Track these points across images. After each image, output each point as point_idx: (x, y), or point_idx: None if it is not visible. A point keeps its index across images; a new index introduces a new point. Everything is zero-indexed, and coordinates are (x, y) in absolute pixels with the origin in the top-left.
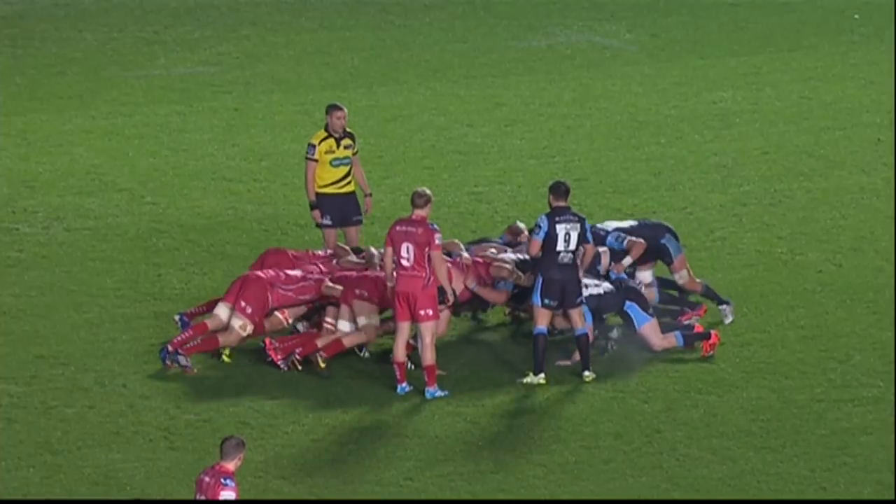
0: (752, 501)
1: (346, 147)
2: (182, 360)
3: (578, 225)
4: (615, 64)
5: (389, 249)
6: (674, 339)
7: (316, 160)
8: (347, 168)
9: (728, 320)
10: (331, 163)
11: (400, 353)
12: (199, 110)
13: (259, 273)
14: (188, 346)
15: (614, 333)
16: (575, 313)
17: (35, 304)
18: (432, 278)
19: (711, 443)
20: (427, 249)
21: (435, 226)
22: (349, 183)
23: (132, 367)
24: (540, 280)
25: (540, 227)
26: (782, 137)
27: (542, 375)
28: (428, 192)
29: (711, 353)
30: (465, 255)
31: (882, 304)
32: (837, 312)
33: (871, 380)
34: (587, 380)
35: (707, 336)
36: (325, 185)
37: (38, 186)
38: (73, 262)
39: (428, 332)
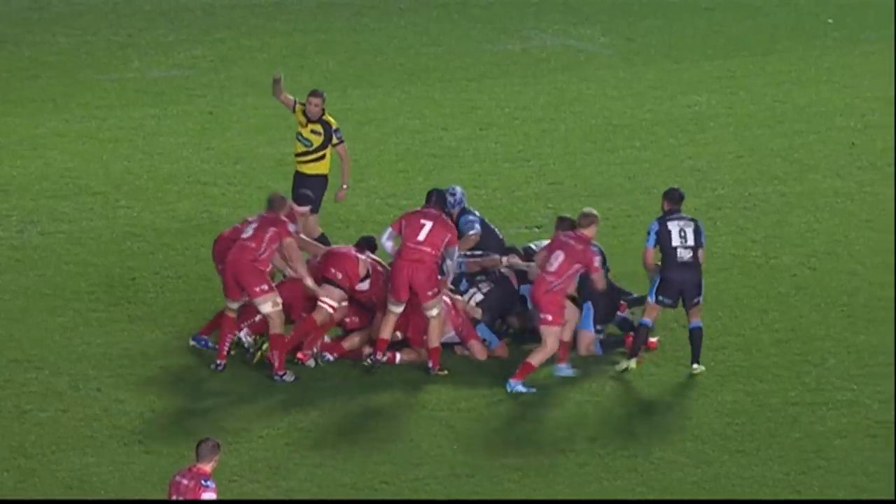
0: (727, 502)
1: (313, 132)
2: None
3: (692, 223)
4: (590, 67)
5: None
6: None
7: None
8: (305, 149)
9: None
10: (296, 135)
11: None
12: (173, 113)
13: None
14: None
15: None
16: (694, 310)
17: (9, 307)
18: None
19: (686, 446)
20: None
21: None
22: (305, 164)
23: (106, 371)
24: (658, 279)
25: (649, 232)
26: (756, 141)
27: (634, 361)
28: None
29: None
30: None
31: (856, 308)
32: (812, 316)
33: (846, 383)
34: (696, 373)
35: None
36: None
37: (12, 190)
38: (48, 265)
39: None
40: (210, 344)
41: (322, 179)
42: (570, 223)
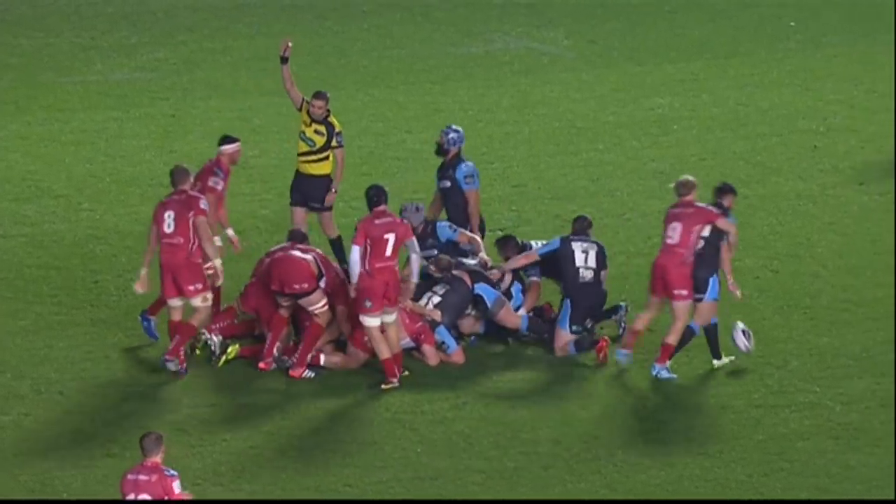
0: (691, 502)
1: (316, 132)
2: (171, 365)
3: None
4: (553, 70)
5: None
6: (519, 321)
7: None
8: (308, 148)
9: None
10: (299, 134)
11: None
12: (136, 116)
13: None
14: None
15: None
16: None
17: None
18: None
19: (649, 448)
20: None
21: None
22: (309, 164)
23: (69, 375)
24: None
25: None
26: (719, 144)
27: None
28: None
29: (604, 359)
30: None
31: (818, 310)
32: (774, 318)
33: (808, 385)
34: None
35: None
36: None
37: None
38: (9, 268)
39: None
40: (155, 333)
41: (327, 179)
42: (586, 222)
